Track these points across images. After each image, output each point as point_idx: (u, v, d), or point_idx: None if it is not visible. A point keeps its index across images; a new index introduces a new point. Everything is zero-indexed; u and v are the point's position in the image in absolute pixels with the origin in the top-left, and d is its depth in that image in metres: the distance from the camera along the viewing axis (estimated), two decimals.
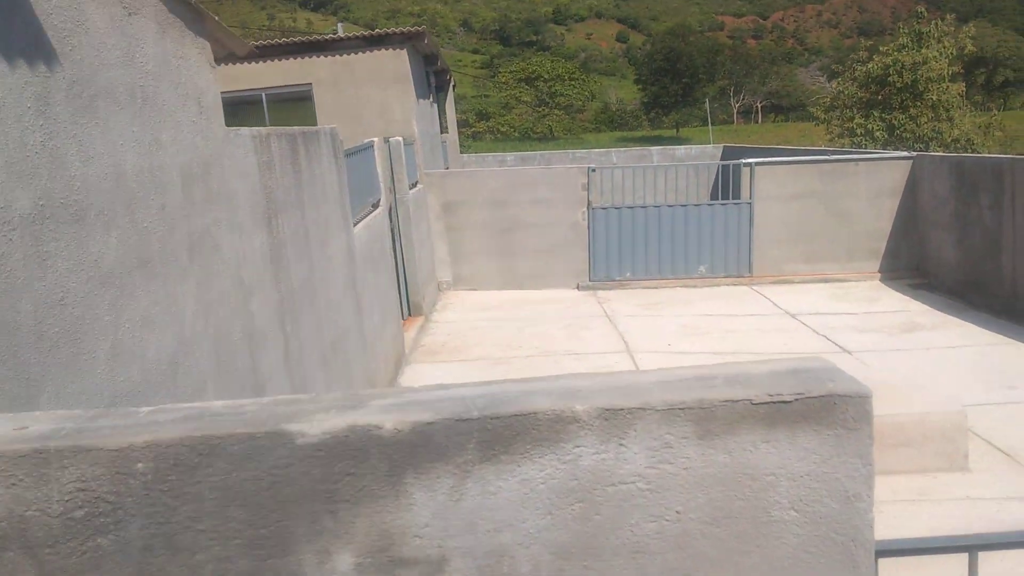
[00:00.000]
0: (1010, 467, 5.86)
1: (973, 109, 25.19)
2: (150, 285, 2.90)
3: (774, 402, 1.18)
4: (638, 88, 78.20)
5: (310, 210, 5.42)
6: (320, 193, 5.75)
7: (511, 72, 75.34)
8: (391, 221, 10.58)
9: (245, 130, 4.16)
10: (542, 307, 11.67)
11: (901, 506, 5.42)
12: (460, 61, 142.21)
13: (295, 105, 12.75)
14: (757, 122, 77.19)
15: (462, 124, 72.86)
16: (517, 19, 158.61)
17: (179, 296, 3.17)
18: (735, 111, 76.99)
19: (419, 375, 8.63)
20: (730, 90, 75.38)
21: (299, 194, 5.17)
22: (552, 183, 12.71)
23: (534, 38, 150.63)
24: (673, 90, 69.89)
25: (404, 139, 11.81)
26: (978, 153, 19.90)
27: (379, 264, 7.90)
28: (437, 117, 16.11)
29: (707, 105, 36.34)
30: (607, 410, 1.20)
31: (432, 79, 15.08)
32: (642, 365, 8.59)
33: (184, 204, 3.29)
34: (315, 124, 12.42)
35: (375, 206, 8.63)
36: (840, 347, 9.10)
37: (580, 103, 74.12)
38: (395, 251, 10.74)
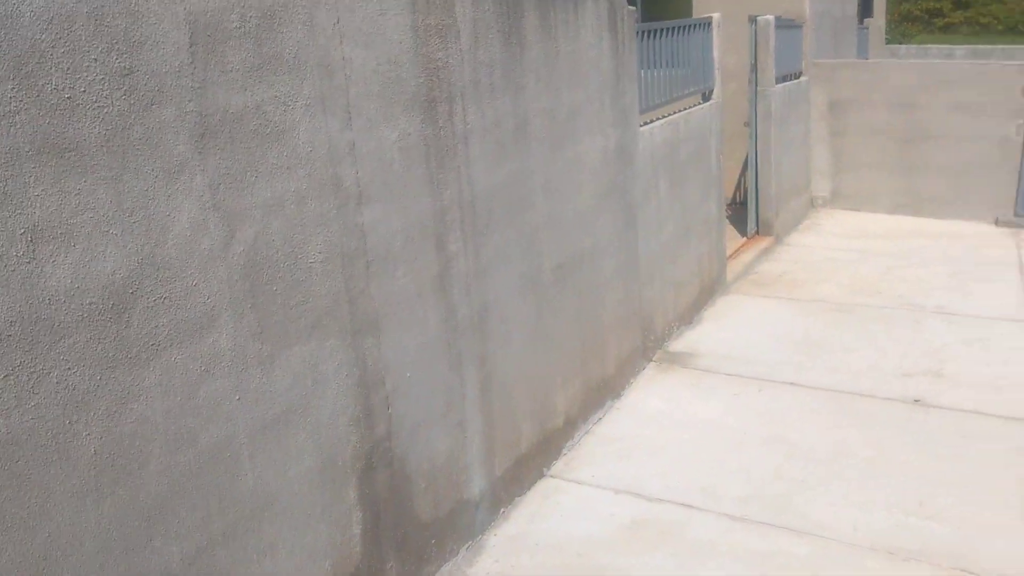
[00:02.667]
0: None
1: None
2: (69, 181, 2.09)
3: None
4: None
5: (537, 98, 4.25)
6: (566, 76, 4.53)
7: None
8: (753, 116, 8.88)
9: None
10: (935, 242, 9.15)
11: None
12: None
13: None
14: None
15: (935, 13, 63.46)
16: None
17: (157, 197, 2.33)
18: None
19: (732, 309, 7.12)
20: None
21: (513, 75, 4.03)
22: (980, 84, 9.73)
23: None
24: None
25: (793, 19, 9.82)
26: None
27: (684, 170, 6.45)
28: None
29: None
30: None
31: None
32: None
33: (198, 72, 2.40)
34: (690, 3, 10.89)
35: (706, 97, 7.09)
36: None
37: None
38: (753, 156, 9.06)
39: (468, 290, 3.82)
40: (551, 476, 4.56)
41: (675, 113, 6.37)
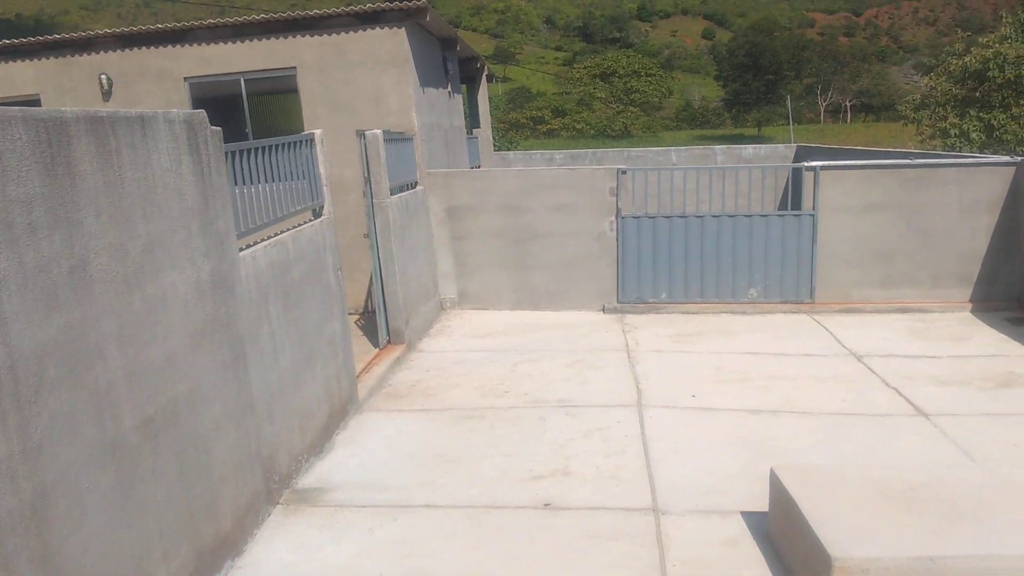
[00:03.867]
0: None
1: None
2: None
3: None
4: (719, 85, 75.18)
5: (101, 233, 3.67)
6: (139, 207, 4.00)
7: (586, 68, 73.27)
8: (373, 227, 8.84)
9: None
10: (553, 334, 9.75)
11: None
12: (542, 58, 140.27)
13: (278, 96, 11.18)
14: (846, 121, 73.18)
15: (538, 120, 71.28)
16: (601, 16, 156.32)
17: None
18: (822, 110, 73.19)
19: (366, 430, 6.83)
20: (817, 88, 71.67)
21: (63, 210, 3.42)
22: (575, 187, 10.76)
23: (617, 35, 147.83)
24: (755, 87, 66.62)
25: (403, 132, 10.09)
26: None
27: (300, 292, 6.13)
28: (460, 110, 14.31)
29: (789, 103, 33.59)
30: None
31: (450, 66, 13.28)
32: (650, 429, 6.60)
33: None
34: (300, 115, 10.80)
35: (317, 214, 6.88)
36: (915, 407, 6.95)
37: (657, 100, 71.47)
38: (377, 266, 9.00)
39: (14, 476, 3.07)
40: None
41: (283, 232, 6.05)
